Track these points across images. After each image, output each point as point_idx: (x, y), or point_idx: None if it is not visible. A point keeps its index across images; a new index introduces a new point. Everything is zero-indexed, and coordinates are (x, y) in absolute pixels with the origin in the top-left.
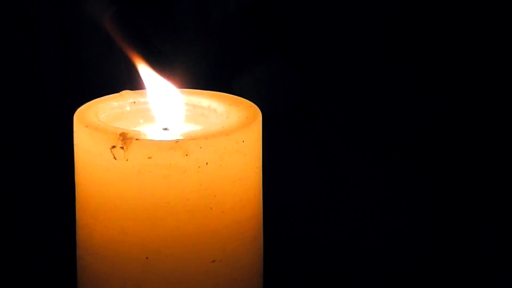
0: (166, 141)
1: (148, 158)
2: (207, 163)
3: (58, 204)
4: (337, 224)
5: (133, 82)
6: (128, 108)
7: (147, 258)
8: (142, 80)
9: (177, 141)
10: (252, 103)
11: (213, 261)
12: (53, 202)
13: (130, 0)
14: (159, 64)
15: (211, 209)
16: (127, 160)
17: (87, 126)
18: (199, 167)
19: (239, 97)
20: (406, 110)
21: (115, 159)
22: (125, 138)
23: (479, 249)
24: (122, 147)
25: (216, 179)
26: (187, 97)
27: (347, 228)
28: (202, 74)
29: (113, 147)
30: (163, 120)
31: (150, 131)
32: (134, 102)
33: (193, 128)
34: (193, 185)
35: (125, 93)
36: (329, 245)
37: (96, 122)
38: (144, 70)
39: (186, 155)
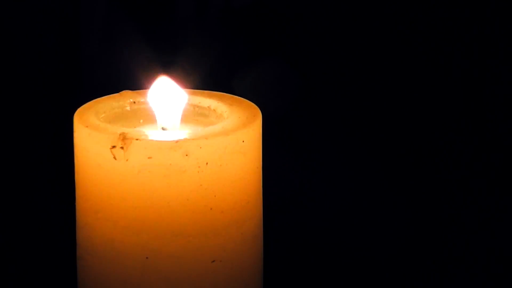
0: (166, 141)
1: (148, 158)
2: (207, 163)
3: (58, 204)
4: (337, 224)
5: (133, 82)
6: (128, 108)
7: (147, 258)
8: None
9: (177, 141)
10: (252, 103)
11: (213, 261)
12: (53, 202)
13: (130, 0)
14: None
15: (211, 209)
16: (127, 160)
17: (87, 126)
18: (199, 167)
19: (239, 97)
20: (405, 110)
21: (115, 159)
22: (125, 138)
23: (479, 249)
24: (122, 147)
25: (216, 179)
26: (187, 97)
27: (347, 227)
28: (202, 74)
29: (113, 147)
30: (163, 120)
31: (150, 131)
32: (134, 102)
33: (193, 128)
34: (193, 185)
35: (125, 93)
36: (329, 245)
37: (96, 122)
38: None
39: (186, 155)
